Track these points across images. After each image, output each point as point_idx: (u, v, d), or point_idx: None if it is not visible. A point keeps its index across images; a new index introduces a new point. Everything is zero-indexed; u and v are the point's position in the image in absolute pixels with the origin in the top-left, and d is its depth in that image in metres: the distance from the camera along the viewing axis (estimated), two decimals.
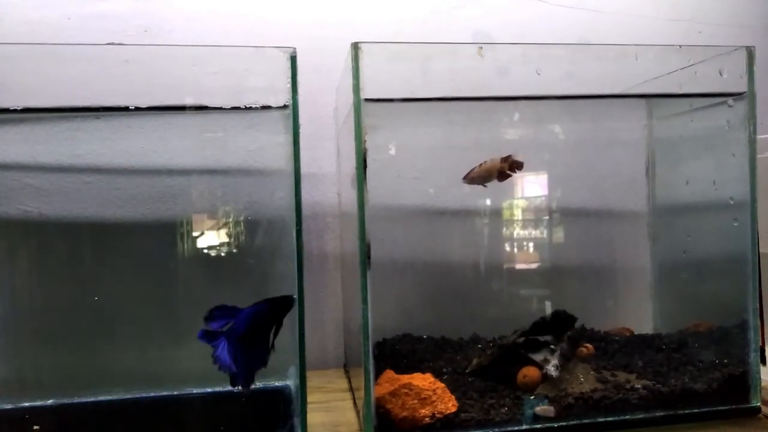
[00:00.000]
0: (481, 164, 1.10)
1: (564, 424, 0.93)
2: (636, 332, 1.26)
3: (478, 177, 1.10)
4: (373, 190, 0.89)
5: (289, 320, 0.89)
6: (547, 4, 1.41)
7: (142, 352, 1.08)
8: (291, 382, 0.96)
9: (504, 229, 1.31)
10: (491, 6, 1.40)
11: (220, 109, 0.97)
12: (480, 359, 1.07)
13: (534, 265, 1.32)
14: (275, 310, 0.90)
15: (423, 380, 0.93)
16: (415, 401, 0.90)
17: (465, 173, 1.12)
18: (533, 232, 1.32)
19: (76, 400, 1.04)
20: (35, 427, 0.95)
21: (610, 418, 0.95)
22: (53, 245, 1.08)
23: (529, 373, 0.99)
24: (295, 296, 0.88)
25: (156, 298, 1.09)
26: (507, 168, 1.09)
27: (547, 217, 1.32)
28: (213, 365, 0.88)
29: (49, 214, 1.07)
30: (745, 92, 1.00)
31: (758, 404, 0.99)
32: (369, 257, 0.88)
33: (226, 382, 1.07)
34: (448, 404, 0.91)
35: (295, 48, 0.88)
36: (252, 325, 0.89)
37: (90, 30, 1.25)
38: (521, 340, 1.04)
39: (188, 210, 1.09)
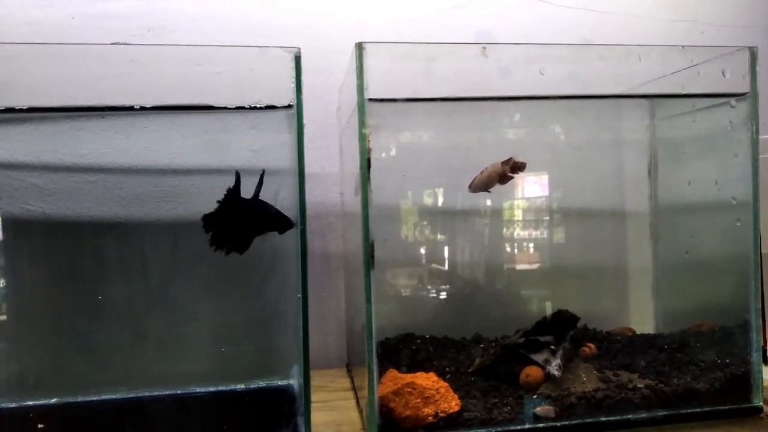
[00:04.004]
0: (482, 171, 1.11)
1: (567, 423, 0.93)
2: (638, 332, 1.26)
3: (481, 184, 1.11)
4: (377, 190, 0.89)
5: (293, 319, 0.90)
6: (550, 5, 1.42)
7: (146, 351, 1.08)
8: (294, 381, 0.96)
9: (506, 229, 1.31)
10: (494, 6, 1.40)
11: (224, 108, 0.97)
12: (483, 359, 1.07)
13: (536, 265, 1.32)
14: (273, 221, 0.93)
15: (426, 379, 0.94)
16: (419, 400, 0.90)
17: (469, 181, 1.12)
18: (536, 233, 1.32)
19: (80, 399, 1.04)
20: (39, 426, 0.95)
21: (613, 418, 0.95)
22: (56, 244, 1.08)
23: (532, 372, 0.99)
24: (294, 223, 0.90)
25: (159, 297, 1.09)
26: (509, 171, 1.09)
27: (549, 218, 1.32)
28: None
29: (53, 214, 1.07)
30: (747, 92, 1.00)
31: (760, 404, 1.00)
32: (372, 257, 0.88)
33: (230, 381, 1.08)
34: (451, 403, 0.92)
35: (299, 48, 0.88)
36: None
37: (93, 30, 1.25)
38: (522, 340, 1.04)
39: (191, 209, 1.09)
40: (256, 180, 0.96)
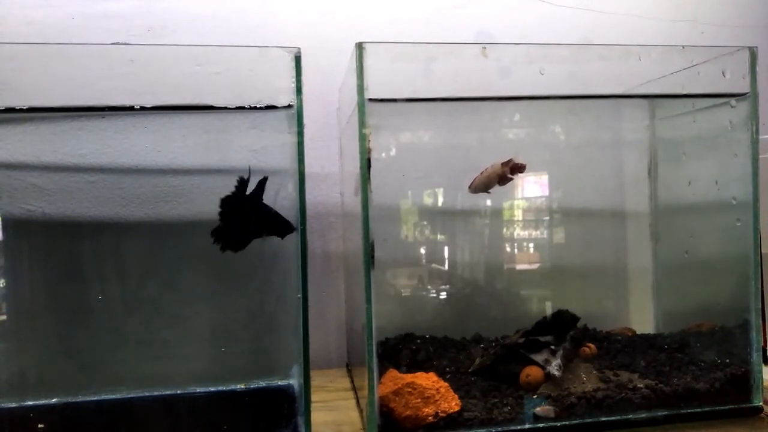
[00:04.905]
0: (482, 172, 1.11)
1: (567, 423, 0.93)
2: (638, 332, 1.26)
3: (481, 185, 1.11)
4: (377, 190, 0.89)
5: (293, 320, 0.90)
6: (550, 5, 1.42)
7: (145, 351, 1.08)
8: (294, 381, 0.96)
9: (506, 229, 1.31)
10: (494, 6, 1.40)
11: (224, 108, 0.97)
12: (483, 359, 1.07)
13: (536, 265, 1.32)
14: (273, 224, 0.93)
15: (426, 379, 0.94)
16: (419, 400, 0.90)
17: (469, 181, 1.12)
18: (536, 233, 1.32)
19: (80, 399, 1.04)
20: (39, 426, 0.95)
21: (613, 418, 0.95)
22: (56, 244, 1.08)
23: (532, 372, 0.99)
24: (295, 228, 0.90)
25: (159, 297, 1.09)
26: (508, 172, 1.09)
27: (549, 218, 1.32)
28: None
29: (53, 214, 1.07)
30: (747, 93, 1.00)
31: (760, 404, 1.00)
32: (373, 257, 0.88)
33: (230, 381, 1.08)
34: (452, 403, 0.92)
35: (299, 48, 0.88)
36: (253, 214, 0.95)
37: (94, 30, 1.25)
38: (522, 340, 1.04)
39: (192, 210, 1.09)
40: (256, 180, 0.96)
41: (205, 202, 1.07)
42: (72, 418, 1.02)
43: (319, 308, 1.33)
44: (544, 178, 1.31)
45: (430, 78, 1.03)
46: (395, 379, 0.94)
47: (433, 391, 0.91)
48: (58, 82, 0.98)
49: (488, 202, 1.29)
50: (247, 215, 0.96)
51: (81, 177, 1.08)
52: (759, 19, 1.53)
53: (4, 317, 1.05)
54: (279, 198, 0.95)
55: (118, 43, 1.10)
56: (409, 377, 0.94)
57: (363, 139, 0.88)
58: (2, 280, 1.05)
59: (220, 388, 1.07)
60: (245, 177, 0.95)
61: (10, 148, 1.04)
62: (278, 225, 0.93)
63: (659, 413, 0.96)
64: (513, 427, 0.92)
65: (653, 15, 1.46)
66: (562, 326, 1.06)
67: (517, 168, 1.09)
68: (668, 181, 1.30)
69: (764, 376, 1.01)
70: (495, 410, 0.93)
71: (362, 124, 0.88)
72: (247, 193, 0.96)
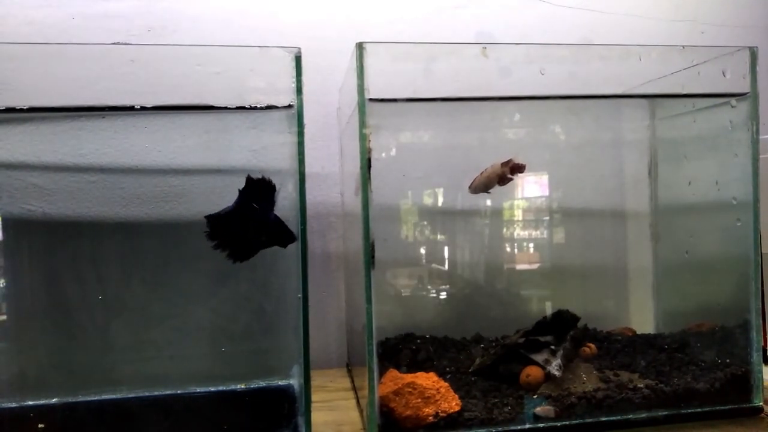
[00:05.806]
0: (482, 172, 1.11)
1: (567, 423, 0.93)
2: (638, 332, 1.26)
3: (481, 185, 1.11)
4: (377, 190, 0.89)
5: (293, 320, 0.90)
6: (550, 5, 1.42)
7: (146, 351, 1.09)
8: (295, 381, 0.96)
9: (506, 229, 1.32)
10: (494, 6, 1.40)
11: (225, 108, 0.97)
12: (483, 359, 1.07)
13: (536, 265, 1.32)
14: (276, 234, 0.92)
15: (426, 379, 0.94)
16: (419, 400, 0.90)
17: (469, 181, 1.13)
18: (536, 233, 1.32)
19: (80, 398, 1.04)
20: (39, 426, 0.95)
21: (613, 418, 0.95)
22: (57, 244, 1.09)
23: (532, 372, 0.99)
24: (296, 236, 0.89)
25: (159, 297, 1.09)
26: (508, 172, 1.09)
27: (549, 218, 1.32)
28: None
29: (53, 214, 1.07)
30: (748, 93, 1.00)
31: (760, 404, 1.00)
32: (373, 257, 0.88)
33: (230, 381, 1.08)
34: (452, 403, 0.92)
35: (299, 48, 0.88)
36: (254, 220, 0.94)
37: (94, 30, 1.25)
38: (523, 340, 1.04)
39: (192, 209, 1.09)
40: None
41: (205, 202, 1.07)
42: (72, 418, 1.02)
43: (319, 308, 1.33)
44: (544, 178, 1.31)
45: (430, 78, 1.03)
46: (395, 379, 0.94)
47: (434, 391, 0.92)
48: (58, 82, 0.98)
49: (488, 202, 1.29)
50: (248, 225, 0.95)
51: (81, 177, 1.08)
52: (759, 19, 1.53)
53: (4, 317, 1.05)
54: (279, 198, 0.95)
55: (118, 43, 1.10)
56: (409, 377, 0.94)
57: (363, 139, 0.88)
58: (2, 280, 1.05)
59: (221, 388, 1.07)
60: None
61: (10, 148, 1.04)
62: (280, 234, 0.93)
63: (659, 413, 0.96)
64: (513, 427, 0.92)
65: (653, 15, 1.46)
66: (562, 326, 1.06)
67: (517, 168, 1.09)
68: (668, 181, 1.30)
69: (764, 376, 1.01)
70: (495, 410, 0.93)
71: (362, 124, 0.88)
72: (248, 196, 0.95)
